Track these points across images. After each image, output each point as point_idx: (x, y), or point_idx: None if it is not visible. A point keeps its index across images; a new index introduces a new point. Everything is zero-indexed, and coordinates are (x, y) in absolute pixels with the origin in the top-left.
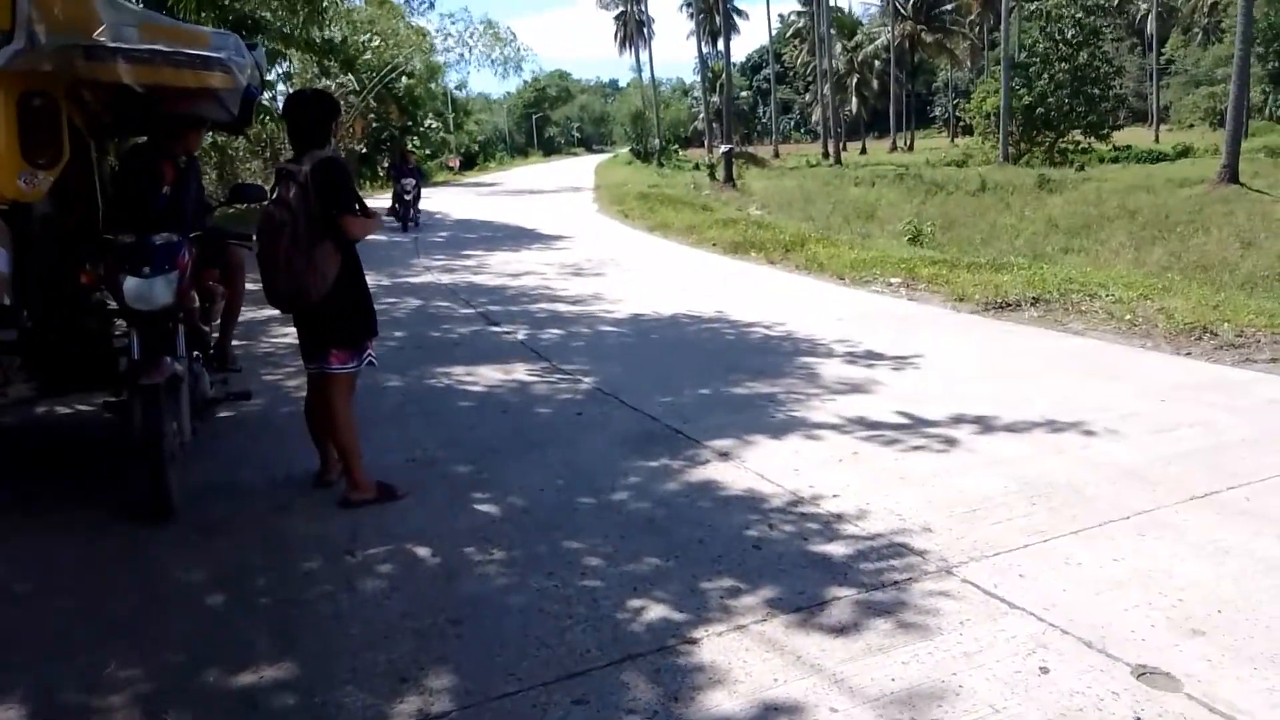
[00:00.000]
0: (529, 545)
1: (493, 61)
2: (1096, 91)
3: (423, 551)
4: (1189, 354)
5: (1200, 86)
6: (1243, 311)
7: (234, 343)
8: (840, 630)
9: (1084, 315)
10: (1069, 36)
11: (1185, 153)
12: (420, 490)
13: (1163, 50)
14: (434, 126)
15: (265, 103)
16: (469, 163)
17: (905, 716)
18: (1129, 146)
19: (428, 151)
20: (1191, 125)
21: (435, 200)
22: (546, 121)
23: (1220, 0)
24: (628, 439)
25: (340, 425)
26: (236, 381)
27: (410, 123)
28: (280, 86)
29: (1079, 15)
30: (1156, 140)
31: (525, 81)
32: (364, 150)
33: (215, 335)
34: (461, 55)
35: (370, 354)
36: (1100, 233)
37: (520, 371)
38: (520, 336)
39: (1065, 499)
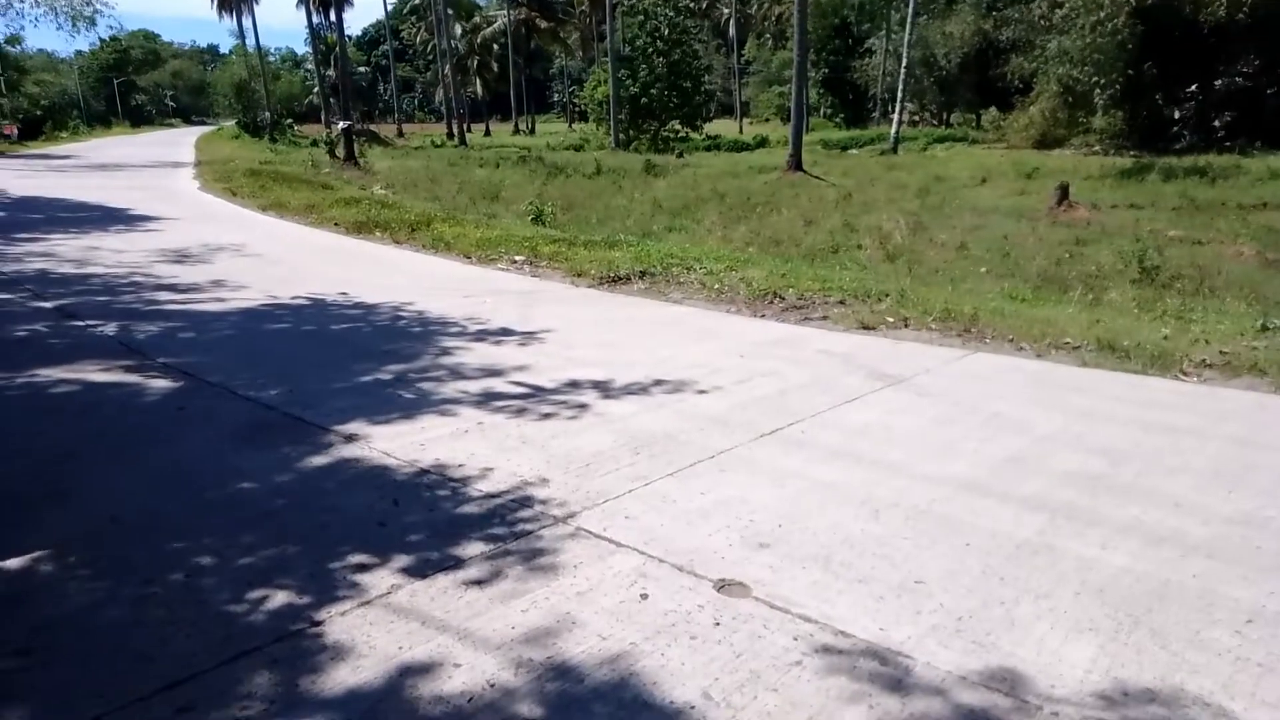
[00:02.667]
0: (121, 555)
1: (57, 14)
2: (689, 85)
3: None
4: (764, 316)
5: (772, 86)
6: (803, 279)
7: None
8: (465, 590)
9: (682, 286)
10: (665, 34)
11: (763, 143)
12: None
13: (743, 52)
14: None
15: None
16: (32, 130)
17: (525, 657)
18: (719, 135)
19: None
20: (767, 119)
21: None
22: (133, 87)
23: (783, 12)
24: (240, 430)
25: None
26: None
27: None
28: None
29: (671, 15)
30: (741, 131)
31: (102, 40)
32: None
33: None
34: (9, 3)
35: None
36: (697, 213)
37: (108, 368)
38: (109, 330)
39: (664, 447)
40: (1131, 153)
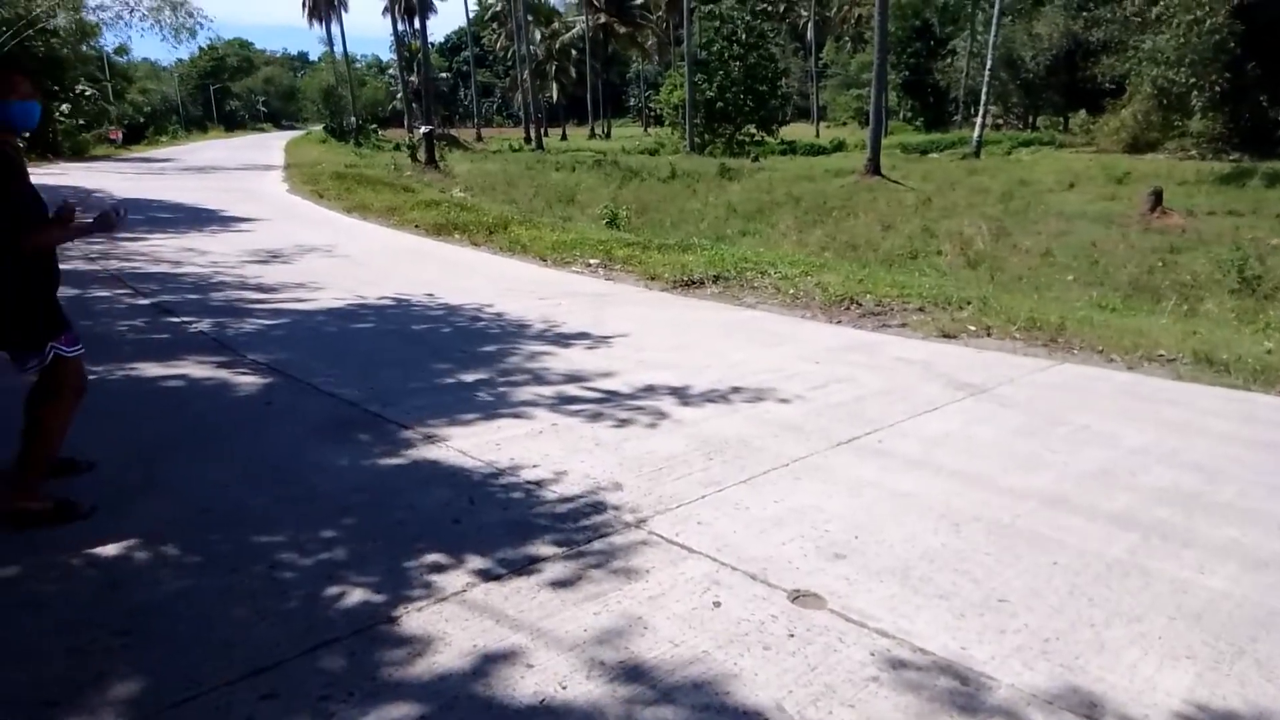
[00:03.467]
0: (209, 544)
1: (161, 26)
2: (765, 89)
3: (79, 563)
4: (839, 321)
5: (850, 89)
6: (881, 284)
7: None
8: (538, 590)
9: (756, 290)
10: (741, 38)
11: (840, 147)
12: (79, 492)
13: (820, 55)
14: (89, 94)
15: None
16: (135, 135)
17: (597, 660)
18: (795, 140)
19: (80, 122)
20: (845, 122)
21: (94, 177)
22: (227, 94)
23: (863, 14)
24: (323, 426)
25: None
26: None
27: (56, 87)
28: None
29: (748, 19)
30: (817, 135)
31: (201, 48)
32: None
33: None
34: (120, 16)
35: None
36: (771, 216)
37: (202, 363)
38: (202, 327)
39: (737, 452)
40: (1232, 157)
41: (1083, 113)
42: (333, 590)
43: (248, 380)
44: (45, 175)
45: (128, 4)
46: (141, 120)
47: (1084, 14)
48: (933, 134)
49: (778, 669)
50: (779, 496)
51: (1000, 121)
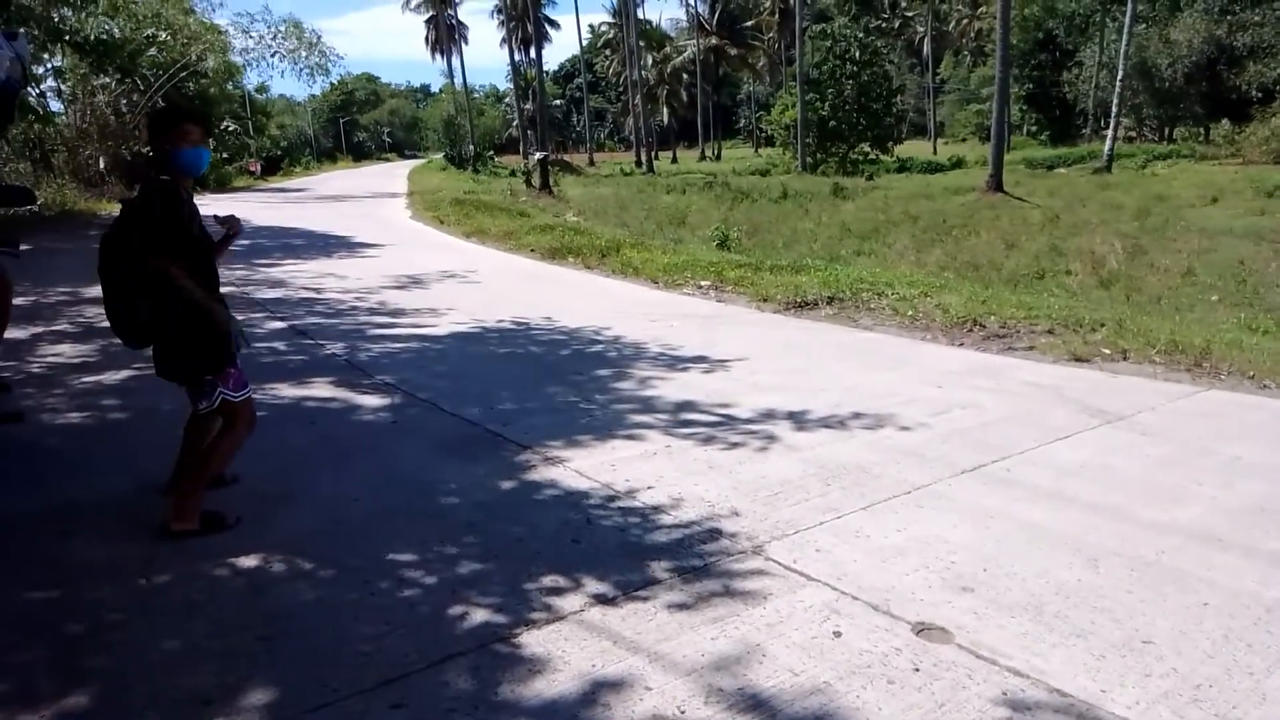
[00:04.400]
0: (342, 556)
1: (296, 66)
2: (880, 107)
3: (225, 571)
4: (961, 344)
5: (969, 104)
6: (1006, 305)
7: None
8: (655, 612)
9: (873, 312)
10: (854, 55)
11: (959, 163)
12: (223, 504)
13: (938, 70)
14: (232, 129)
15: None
16: (272, 167)
17: (715, 686)
18: (911, 158)
19: (225, 155)
20: (964, 139)
21: (235, 207)
22: (355, 125)
23: (984, 27)
24: (445, 444)
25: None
26: (5, 402)
27: None
28: (50, 83)
29: (861, 36)
30: (935, 152)
31: (331, 85)
32: (151, 153)
33: None
34: (262, 57)
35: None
36: (887, 236)
37: (332, 382)
38: (333, 349)
39: (855, 478)
40: None
41: (1225, 123)
42: (457, 606)
43: (374, 400)
44: None
45: (269, 46)
46: (278, 153)
47: (1229, 17)
48: (1059, 148)
49: (902, 704)
50: (900, 525)
51: (1134, 134)
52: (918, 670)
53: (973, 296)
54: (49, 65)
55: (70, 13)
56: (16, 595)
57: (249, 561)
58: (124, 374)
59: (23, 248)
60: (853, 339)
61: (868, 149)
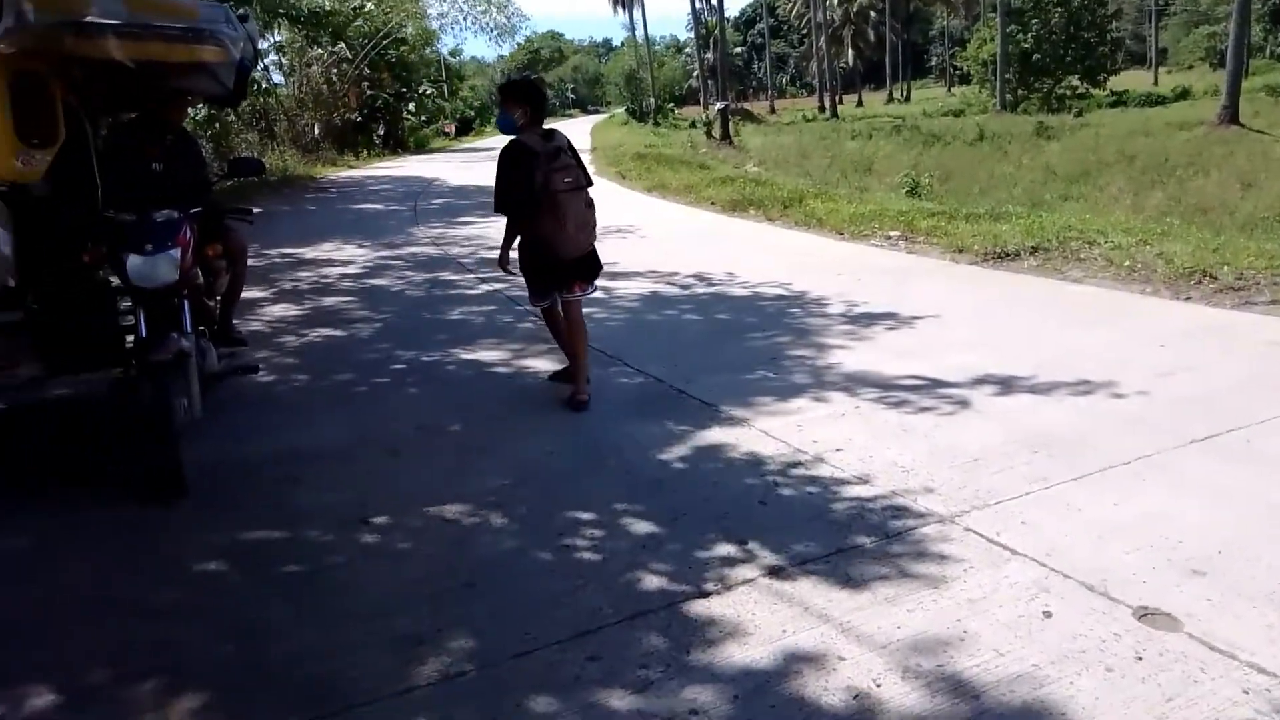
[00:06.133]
0: (537, 508)
1: (485, 29)
2: (1093, 36)
3: (433, 517)
4: (1188, 298)
5: (1200, 26)
6: (1242, 254)
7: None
8: (846, 581)
9: (1083, 263)
10: None
11: (1184, 95)
12: (430, 456)
13: None
14: (429, 93)
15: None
16: (465, 128)
17: (912, 662)
18: (1127, 91)
19: (424, 118)
20: (1191, 66)
21: (431, 167)
22: (541, 83)
23: None
24: (630, 401)
25: (586, 333)
26: (241, 355)
27: (405, 89)
28: (273, 57)
29: None
30: (1155, 83)
31: (518, 45)
32: (359, 119)
33: (218, 309)
34: (456, 21)
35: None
36: (1099, 179)
37: (524, 339)
38: (525, 307)
39: (1065, 446)
40: None
41: None
42: (645, 562)
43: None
44: (389, 168)
45: (462, 9)
46: (470, 114)
47: None
48: None
49: (1124, 695)
50: (1118, 499)
51: None
52: (1140, 659)
53: (1201, 244)
54: (272, 41)
55: None
56: (251, 540)
57: (452, 510)
58: (338, 332)
59: (255, 211)
60: (1060, 293)
61: (1076, 82)
